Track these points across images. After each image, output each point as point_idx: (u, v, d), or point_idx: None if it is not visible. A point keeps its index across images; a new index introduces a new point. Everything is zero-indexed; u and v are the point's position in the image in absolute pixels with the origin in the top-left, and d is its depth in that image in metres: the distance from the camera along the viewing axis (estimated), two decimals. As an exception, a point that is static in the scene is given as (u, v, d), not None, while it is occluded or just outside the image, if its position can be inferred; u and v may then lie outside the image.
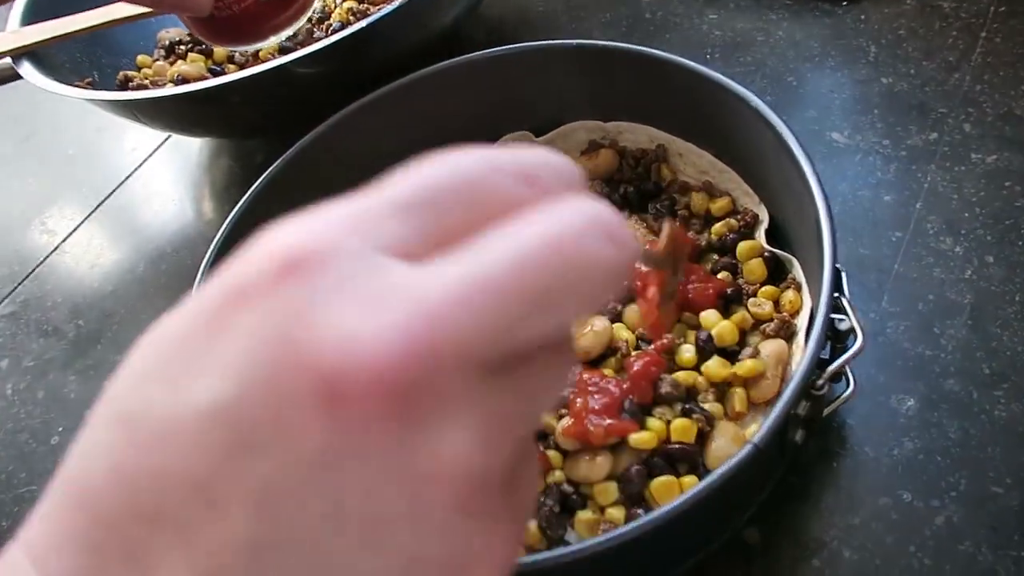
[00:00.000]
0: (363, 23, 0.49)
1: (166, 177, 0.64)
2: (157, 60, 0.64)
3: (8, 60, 0.53)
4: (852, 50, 0.53)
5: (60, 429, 0.49)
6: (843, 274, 0.36)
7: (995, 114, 0.48)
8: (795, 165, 0.37)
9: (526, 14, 0.65)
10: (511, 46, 0.48)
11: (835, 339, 0.34)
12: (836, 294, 0.34)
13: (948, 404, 0.37)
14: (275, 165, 0.46)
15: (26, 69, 0.53)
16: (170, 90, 0.50)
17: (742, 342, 0.39)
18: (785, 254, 0.41)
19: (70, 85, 0.52)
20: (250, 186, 0.45)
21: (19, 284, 0.58)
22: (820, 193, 0.35)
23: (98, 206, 0.62)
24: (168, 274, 0.56)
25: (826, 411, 0.34)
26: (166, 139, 0.66)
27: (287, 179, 0.46)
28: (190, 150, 0.65)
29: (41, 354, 0.53)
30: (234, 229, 0.43)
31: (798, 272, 0.40)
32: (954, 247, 0.42)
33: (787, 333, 0.39)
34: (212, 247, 0.42)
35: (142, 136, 0.66)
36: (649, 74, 0.45)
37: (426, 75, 0.48)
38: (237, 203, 0.44)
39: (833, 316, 0.34)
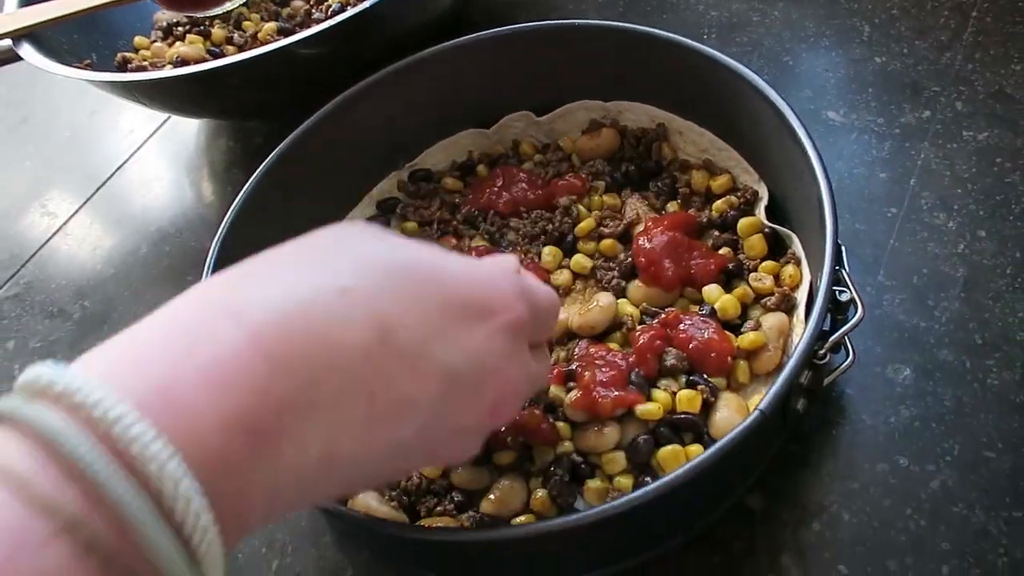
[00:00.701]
0: (364, 5, 0.50)
1: (164, 159, 0.64)
2: (155, 42, 0.64)
3: (8, 42, 0.53)
4: (846, 30, 0.54)
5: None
6: (843, 248, 0.37)
7: (986, 92, 0.49)
8: (797, 144, 0.38)
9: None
10: (511, 26, 0.49)
11: (835, 311, 0.35)
12: (836, 267, 0.35)
13: (942, 373, 0.39)
14: (280, 148, 0.46)
15: (26, 51, 0.53)
16: (172, 72, 0.50)
17: (744, 316, 0.40)
18: (785, 230, 0.42)
19: (71, 67, 0.52)
20: (250, 168, 0.46)
21: (22, 266, 0.59)
22: (822, 171, 0.36)
23: (98, 189, 0.63)
24: (172, 255, 0.56)
25: (826, 380, 0.35)
26: (164, 121, 0.66)
27: (291, 161, 0.47)
28: (188, 132, 0.65)
29: (47, 335, 0.54)
30: (241, 211, 0.44)
31: (797, 247, 0.41)
32: (947, 222, 0.44)
33: (788, 306, 0.40)
34: (222, 228, 0.43)
35: (138, 118, 0.66)
36: (649, 54, 0.46)
37: (427, 56, 0.49)
38: (237, 184, 0.45)
39: (834, 289, 0.35)
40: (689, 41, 0.44)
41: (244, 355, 0.20)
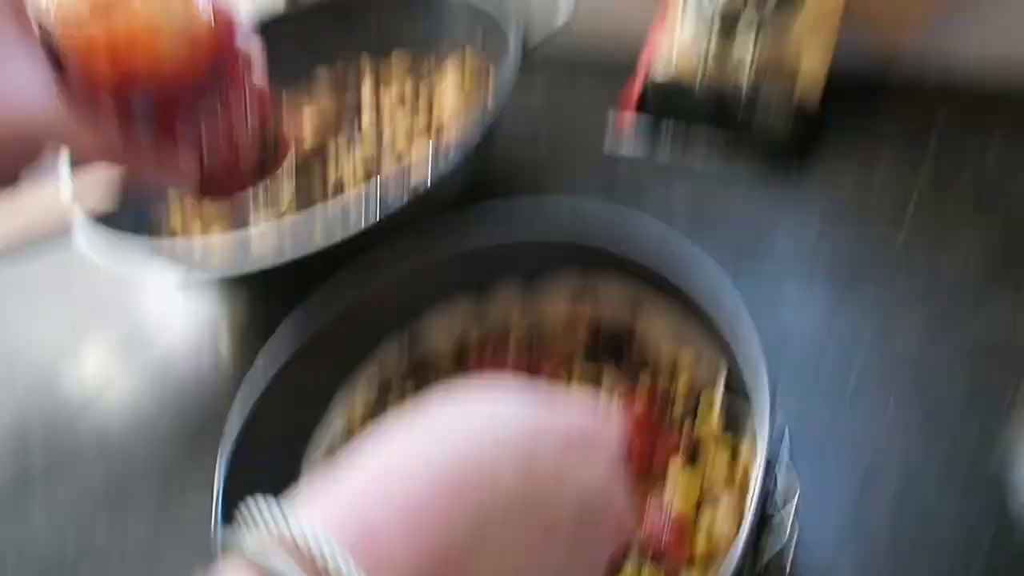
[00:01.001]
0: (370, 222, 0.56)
1: (187, 321, 0.70)
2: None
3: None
4: (802, 213, 0.60)
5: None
6: (786, 432, 0.41)
7: (927, 275, 0.53)
8: (743, 331, 0.42)
9: (520, 167, 0.72)
10: (503, 221, 0.53)
11: (772, 495, 0.39)
12: (777, 451, 0.39)
13: (884, 562, 0.41)
14: (292, 319, 0.51)
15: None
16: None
17: (702, 495, 0.44)
18: (743, 400, 0.45)
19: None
20: (266, 335, 0.51)
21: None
22: (760, 359, 0.40)
23: (122, 353, 0.68)
24: (190, 418, 0.61)
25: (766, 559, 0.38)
26: (187, 283, 0.72)
27: (301, 334, 0.52)
28: (207, 299, 0.70)
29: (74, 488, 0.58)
30: (272, 384, 0.50)
31: (754, 422, 0.45)
32: (889, 406, 0.47)
33: (743, 481, 0.43)
34: (240, 389, 0.48)
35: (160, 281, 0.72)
36: (625, 234, 0.50)
37: (436, 231, 0.54)
38: (256, 352, 0.50)
39: (775, 469, 0.38)
40: (658, 229, 0.48)
41: (432, 496, 0.24)
